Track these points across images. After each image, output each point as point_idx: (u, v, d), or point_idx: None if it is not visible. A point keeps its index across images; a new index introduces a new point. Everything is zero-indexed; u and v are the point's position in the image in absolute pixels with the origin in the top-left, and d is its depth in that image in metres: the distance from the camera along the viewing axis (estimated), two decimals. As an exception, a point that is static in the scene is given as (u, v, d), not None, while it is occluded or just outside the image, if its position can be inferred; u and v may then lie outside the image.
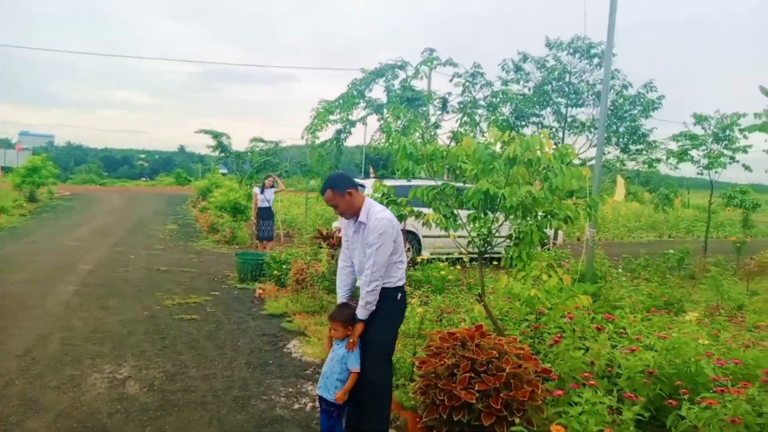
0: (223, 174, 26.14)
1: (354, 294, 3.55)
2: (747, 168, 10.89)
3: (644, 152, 12.19)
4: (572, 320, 4.41)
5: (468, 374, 3.27)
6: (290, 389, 4.38)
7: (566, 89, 12.08)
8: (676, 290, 7.16)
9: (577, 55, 11.69)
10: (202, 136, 17.18)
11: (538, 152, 3.97)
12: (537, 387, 3.30)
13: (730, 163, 10.90)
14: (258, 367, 4.87)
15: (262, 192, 11.09)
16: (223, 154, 17.68)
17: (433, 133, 12.27)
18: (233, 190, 15.24)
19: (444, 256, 8.43)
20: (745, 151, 10.68)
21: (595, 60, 11.55)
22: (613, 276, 7.84)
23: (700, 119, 11.15)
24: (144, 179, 59.17)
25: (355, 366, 3.28)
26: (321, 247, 7.59)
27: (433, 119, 12.58)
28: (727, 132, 10.71)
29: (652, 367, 3.66)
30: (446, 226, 4.26)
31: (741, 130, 10.37)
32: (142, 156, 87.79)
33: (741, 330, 4.91)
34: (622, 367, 3.74)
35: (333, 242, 7.10)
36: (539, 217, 4.23)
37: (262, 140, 16.20)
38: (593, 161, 11.09)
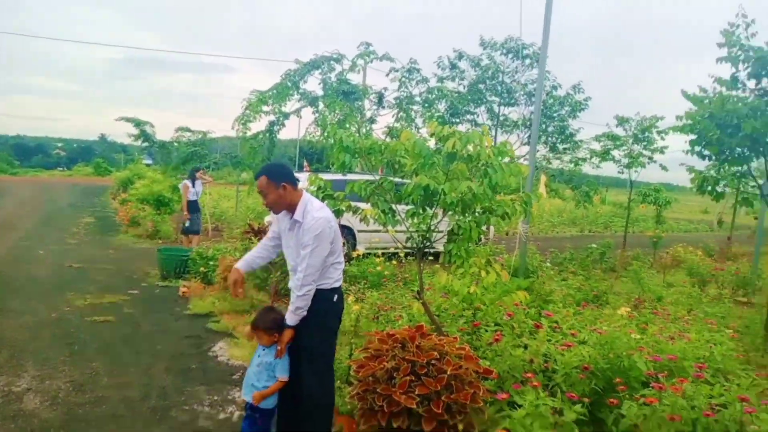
0: (148, 165, 24.71)
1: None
2: (663, 168, 11.55)
3: (570, 151, 12.66)
4: (511, 318, 4.38)
5: (408, 377, 3.12)
6: (215, 397, 4.05)
7: (499, 88, 12.30)
8: (600, 283, 7.40)
9: (510, 56, 11.92)
10: (124, 125, 15.99)
11: (478, 148, 3.89)
12: (478, 388, 3.20)
13: (648, 163, 11.51)
14: (179, 373, 4.48)
15: (193, 184, 10.49)
16: (146, 144, 16.61)
17: (368, 128, 12.13)
18: (156, 181, 14.35)
19: (380, 251, 8.29)
20: (662, 152, 11.31)
21: (527, 61, 11.82)
22: (544, 270, 8.02)
23: (621, 121, 11.69)
24: (60, 169, 55.26)
25: (283, 375, 3.06)
26: (252, 242, 7.21)
27: (368, 114, 12.44)
28: (646, 133, 11.29)
29: (587, 362, 3.67)
30: (385, 222, 4.09)
31: (659, 132, 10.97)
32: (59, 144, 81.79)
33: (666, 322, 5.09)
34: (558, 363, 3.73)
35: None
36: (478, 214, 4.15)
37: (188, 130, 15.33)
38: (521, 159, 11.41)
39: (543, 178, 10.60)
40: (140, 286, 7.56)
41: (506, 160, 4.18)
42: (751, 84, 5.19)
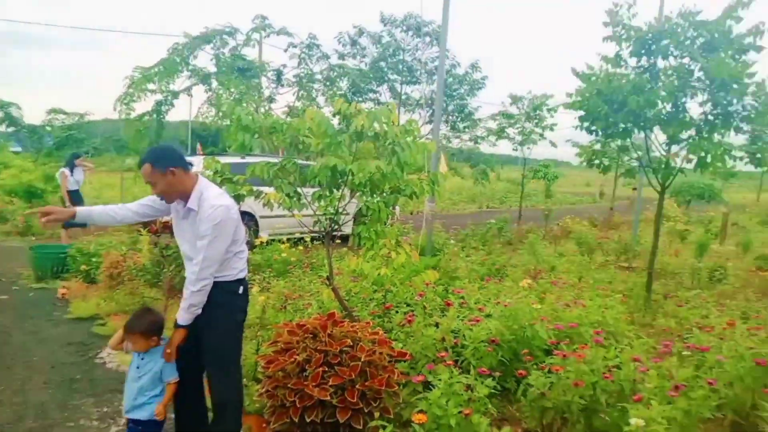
0: (16, 152, 22.01)
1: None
2: (553, 144, 12.28)
3: (469, 130, 13.06)
4: (422, 297, 4.37)
5: (321, 368, 2.97)
6: (105, 408, 3.63)
7: (400, 66, 12.31)
8: (500, 257, 7.70)
9: (411, 33, 11.94)
10: (-16, 108, 14.06)
11: (385, 126, 3.78)
12: (393, 372, 3.13)
13: (539, 139, 12.18)
14: (62, 385, 3.98)
15: (72, 172, 9.42)
16: (12, 129, 14.74)
17: (267, 107, 11.65)
18: (26, 170, 12.79)
19: (285, 237, 8.00)
20: (552, 129, 12.01)
21: (427, 38, 11.92)
22: (449, 247, 8.21)
23: (515, 100, 12.23)
24: None
25: (172, 377, 2.74)
26: (141, 235, 6.61)
27: (267, 92, 11.93)
28: (537, 111, 11.91)
29: (494, 335, 3.75)
30: (290, 206, 3.87)
31: (549, 110, 11.61)
32: None
33: (562, 291, 5.38)
34: (467, 338, 3.78)
35: (154, 228, 6.21)
36: (386, 194, 4.06)
37: (63, 112, 13.82)
38: (424, 138, 11.57)
39: (443, 157, 10.85)
40: (11, 290, 6.67)
41: (410, 139, 4.12)
42: (633, 62, 5.57)
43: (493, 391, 3.04)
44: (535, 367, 3.38)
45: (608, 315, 4.33)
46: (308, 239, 7.76)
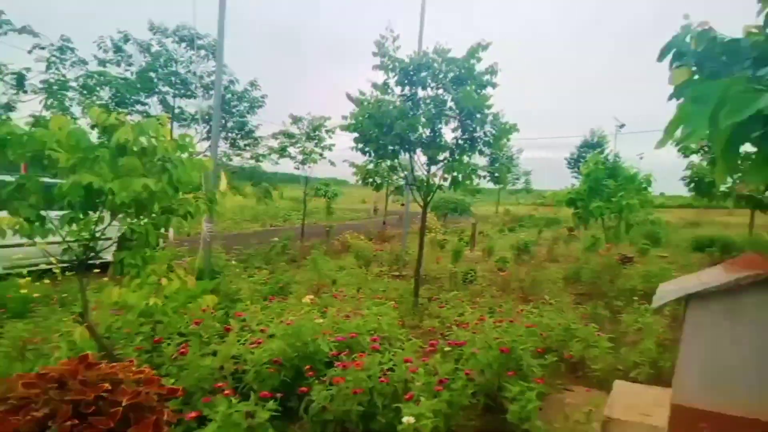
0: None
1: None
2: (332, 163, 12.86)
3: (250, 148, 12.85)
4: (198, 325, 4.07)
5: (69, 422, 2.51)
6: None
7: (173, 78, 11.50)
8: (284, 275, 7.71)
9: (183, 44, 11.27)
10: None
11: (154, 140, 3.45)
12: (162, 413, 2.81)
13: (320, 159, 12.64)
14: None
15: None
16: None
17: (4, 116, 9.75)
18: None
19: (25, 270, 6.67)
20: (331, 149, 12.58)
21: (203, 52, 11.40)
22: (230, 269, 7.88)
23: (295, 120, 12.50)
24: None
25: None
26: None
27: (4, 99, 9.98)
28: (317, 132, 12.36)
29: (276, 355, 3.70)
30: (30, 233, 3.23)
31: (327, 131, 12.15)
32: None
33: (342, 303, 5.59)
34: (248, 362, 3.65)
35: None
36: (156, 215, 3.69)
37: None
38: (201, 155, 11.00)
39: (223, 175, 10.48)
40: None
41: (184, 155, 3.84)
42: (398, 90, 6.19)
43: (274, 413, 2.97)
44: (317, 381, 3.42)
45: (383, 321, 4.63)
46: (58, 270, 6.62)
